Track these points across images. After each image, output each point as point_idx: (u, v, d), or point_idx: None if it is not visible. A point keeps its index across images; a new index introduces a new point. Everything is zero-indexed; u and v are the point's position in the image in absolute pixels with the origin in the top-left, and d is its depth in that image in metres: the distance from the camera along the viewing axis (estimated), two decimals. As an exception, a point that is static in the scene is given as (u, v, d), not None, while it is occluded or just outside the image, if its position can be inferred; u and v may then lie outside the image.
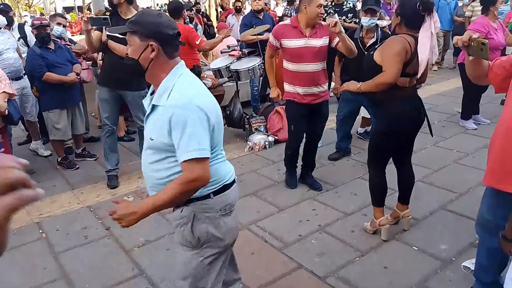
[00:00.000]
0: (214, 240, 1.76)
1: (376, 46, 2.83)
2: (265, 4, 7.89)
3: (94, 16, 3.75)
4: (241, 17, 8.10)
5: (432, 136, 3.12)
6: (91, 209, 3.70)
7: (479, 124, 5.29)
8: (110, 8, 4.04)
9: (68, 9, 33.73)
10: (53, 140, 4.60)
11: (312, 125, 3.70)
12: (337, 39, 3.33)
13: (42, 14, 23.16)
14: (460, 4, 8.40)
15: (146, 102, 1.76)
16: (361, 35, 4.14)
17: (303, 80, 3.44)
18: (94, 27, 3.74)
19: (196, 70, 4.83)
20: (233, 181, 1.83)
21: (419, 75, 2.69)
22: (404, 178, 3.09)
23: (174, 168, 1.67)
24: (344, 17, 5.97)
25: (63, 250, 3.10)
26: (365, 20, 3.95)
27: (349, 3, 6.14)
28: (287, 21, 3.68)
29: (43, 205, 3.81)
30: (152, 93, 1.75)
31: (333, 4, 6.15)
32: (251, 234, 3.16)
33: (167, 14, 4.95)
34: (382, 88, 2.66)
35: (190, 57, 4.75)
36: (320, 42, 3.38)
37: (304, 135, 3.80)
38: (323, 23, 3.42)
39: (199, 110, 1.58)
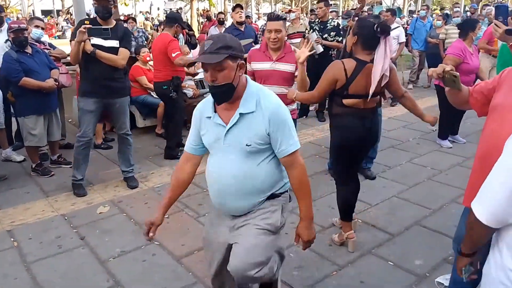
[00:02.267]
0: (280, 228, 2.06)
1: None
2: (247, 17, 7.97)
3: (93, 27, 3.63)
4: (224, 29, 8.17)
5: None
6: (66, 218, 3.62)
7: (454, 142, 5.44)
8: (87, 17, 4.01)
9: (47, 12, 33.16)
10: (28, 146, 4.49)
11: None
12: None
13: (17, 17, 22.63)
14: (434, 25, 8.70)
15: (217, 120, 1.91)
16: None
17: None
18: (89, 38, 3.65)
19: (175, 82, 4.80)
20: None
21: (370, 93, 2.73)
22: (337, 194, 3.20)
23: (269, 166, 1.94)
24: (326, 35, 6.10)
25: (35, 260, 3.01)
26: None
27: (334, 21, 6.28)
28: (257, 46, 3.74)
29: (16, 213, 3.70)
30: (214, 110, 1.93)
31: (318, 21, 6.28)
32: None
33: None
34: (309, 102, 2.86)
35: (170, 68, 4.73)
36: (287, 67, 3.39)
37: None
38: (294, 48, 3.45)
39: (288, 110, 1.92)
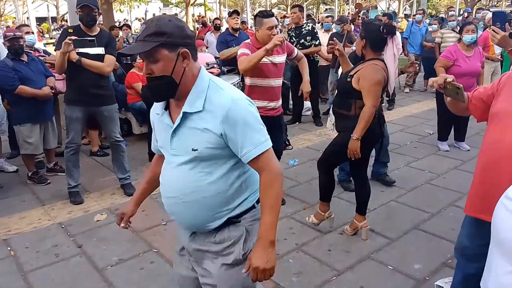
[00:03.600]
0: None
1: (351, 72, 2.97)
2: (243, 23, 7.99)
3: (78, 38, 3.61)
4: (219, 34, 8.19)
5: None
6: (63, 226, 3.59)
7: (456, 147, 5.39)
8: (69, 25, 4.00)
9: (42, 20, 33.18)
10: (24, 155, 4.46)
11: (275, 137, 3.74)
12: (295, 52, 3.63)
13: (6, 26, 22.64)
14: (430, 29, 8.75)
15: (163, 119, 1.59)
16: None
17: (270, 94, 3.58)
18: (74, 49, 3.64)
19: None
20: None
21: (390, 92, 2.90)
22: (358, 190, 3.29)
23: (225, 176, 1.55)
24: (302, 40, 6.12)
25: (32, 269, 2.98)
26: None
27: (308, 26, 6.31)
28: (247, 40, 3.74)
29: (12, 222, 3.67)
30: (166, 108, 1.59)
31: (293, 27, 6.30)
32: (227, 253, 3.14)
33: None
34: (370, 119, 2.87)
35: None
36: (281, 58, 3.57)
37: None
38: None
39: (251, 105, 1.54)
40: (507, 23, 2.18)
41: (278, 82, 3.61)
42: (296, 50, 3.71)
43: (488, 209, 1.95)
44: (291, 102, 6.94)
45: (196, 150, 1.50)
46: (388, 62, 2.83)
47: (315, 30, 6.35)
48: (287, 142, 5.48)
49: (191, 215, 1.58)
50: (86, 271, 2.95)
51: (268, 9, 36.93)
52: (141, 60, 1.63)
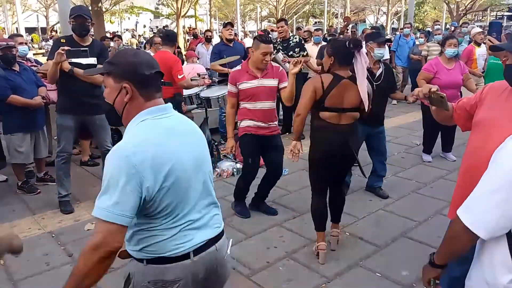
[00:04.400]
0: None
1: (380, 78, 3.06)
2: (235, 35, 8.09)
3: (71, 49, 3.65)
4: (211, 46, 8.28)
5: (365, 177, 3.58)
6: (53, 235, 3.59)
7: (442, 157, 5.51)
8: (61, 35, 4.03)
9: (31, 30, 33.05)
10: (14, 164, 4.46)
11: (273, 156, 3.82)
12: (284, 83, 3.59)
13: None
14: (417, 43, 8.95)
15: None
16: (369, 66, 4.32)
17: (259, 116, 3.65)
18: (67, 60, 3.67)
19: (177, 99, 4.87)
20: (183, 257, 1.49)
21: (366, 107, 2.89)
22: (332, 199, 3.31)
23: (140, 242, 1.48)
24: (291, 52, 6.24)
25: (22, 278, 2.98)
26: (380, 51, 4.04)
27: (295, 38, 6.43)
28: (238, 67, 3.79)
29: (1, 231, 3.65)
30: None
31: (280, 40, 6.42)
32: (218, 261, 3.16)
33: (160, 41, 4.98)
34: (301, 124, 3.08)
35: (172, 85, 4.79)
36: (272, 82, 3.63)
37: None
38: (274, 64, 3.72)
39: (129, 164, 1.34)
40: (503, 34, 2.27)
41: (267, 105, 3.64)
42: (285, 83, 3.60)
43: None
44: (281, 113, 7.03)
45: None
46: (359, 76, 2.84)
47: (302, 42, 6.47)
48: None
49: None
50: (77, 280, 2.95)
51: (259, 21, 37.32)
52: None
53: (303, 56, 6.29)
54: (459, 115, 2.12)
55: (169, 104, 1.57)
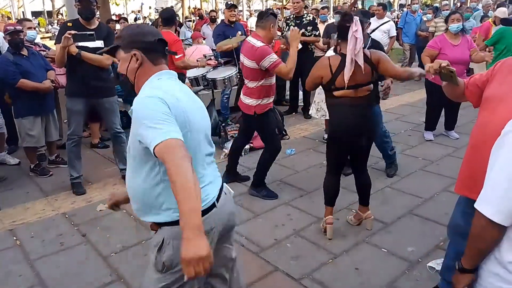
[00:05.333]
0: (179, 268, 1.56)
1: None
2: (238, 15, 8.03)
3: (78, 32, 3.68)
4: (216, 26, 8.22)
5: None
6: (67, 216, 3.69)
7: (445, 136, 5.47)
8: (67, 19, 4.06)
9: (37, 14, 32.98)
10: (26, 147, 4.54)
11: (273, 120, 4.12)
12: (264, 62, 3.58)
13: (9, 18, 22.50)
14: (424, 19, 8.81)
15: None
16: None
17: (273, 90, 3.82)
18: (74, 43, 3.70)
19: (180, 79, 4.86)
20: (211, 206, 1.65)
21: (345, 80, 2.81)
22: (359, 183, 3.31)
23: (159, 180, 1.58)
24: (303, 30, 6.18)
25: (38, 257, 3.08)
26: None
27: (309, 16, 6.37)
28: (259, 43, 3.57)
29: (16, 212, 3.76)
30: None
31: (294, 17, 6.36)
32: (228, 239, 3.24)
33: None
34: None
35: (172, 67, 4.78)
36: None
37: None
38: (278, 36, 3.90)
39: (164, 104, 1.50)
40: None
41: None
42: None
43: (474, 187, 2.05)
44: (287, 93, 7.02)
45: (129, 148, 1.66)
46: (348, 48, 2.78)
47: (316, 21, 6.40)
48: (284, 132, 5.57)
49: (133, 201, 1.72)
50: (91, 259, 3.06)
51: (264, 0, 36.75)
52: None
53: (314, 35, 6.24)
54: (471, 92, 2.13)
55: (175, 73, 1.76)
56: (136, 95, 1.64)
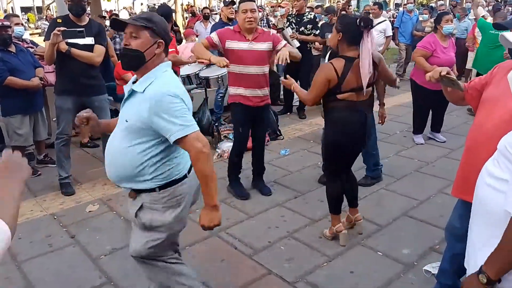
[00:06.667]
0: (158, 227, 1.99)
1: None
2: (235, 12, 7.96)
3: (67, 29, 3.60)
4: (209, 24, 8.15)
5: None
6: (55, 217, 3.60)
7: (434, 139, 5.37)
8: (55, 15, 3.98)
9: (26, 9, 32.62)
10: (14, 146, 4.43)
11: (256, 130, 3.87)
12: (281, 44, 3.55)
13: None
14: (420, 19, 8.79)
15: (127, 88, 1.94)
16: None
17: (247, 82, 3.57)
18: (64, 40, 3.62)
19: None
20: (185, 175, 2.00)
21: (364, 88, 2.76)
22: (349, 185, 3.20)
23: (147, 154, 1.87)
24: (303, 28, 6.14)
25: (26, 259, 3.00)
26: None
27: (310, 14, 6.32)
28: (230, 27, 3.77)
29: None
30: (134, 82, 1.92)
31: (295, 14, 6.32)
32: (220, 241, 3.18)
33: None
34: (302, 99, 3.03)
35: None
36: (263, 46, 3.54)
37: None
38: (265, 29, 3.67)
39: (180, 98, 1.81)
40: None
41: (256, 70, 3.54)
42: (283, 42, 3.59)
43: (468, 189, 2.03)
44: (282, 92, 6.97)
45: (127, 121, 1.86)
46: (363, 56, 2.72)
47: (317, 20, 6.36)
48: (278, 133, 5.52)
49: (117, 174, 1.96)
50: (80, 260, 2.98)
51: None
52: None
53: (314, 35, 6.20)
54: (471, 95, 2.13)
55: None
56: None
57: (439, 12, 7.18)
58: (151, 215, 1.96)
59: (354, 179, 3.27)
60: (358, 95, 2.83)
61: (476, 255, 1.24)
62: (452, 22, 4.79)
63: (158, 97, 1.77)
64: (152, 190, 1.93)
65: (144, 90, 1.82)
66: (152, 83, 1.82)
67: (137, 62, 1.85)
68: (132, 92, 1.88)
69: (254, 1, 3.57)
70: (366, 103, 2.91)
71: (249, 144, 3.97)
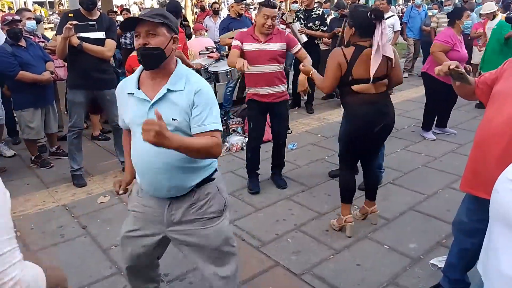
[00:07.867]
0: (226, 207, 2.04)
1: None
2: (248, 9, 7.97)
3: (79, 23, 3.65)
4: (218, 18, 8.16)
5: None
6: (67, 208, 3.67)
7: (446, 134, 5.36)
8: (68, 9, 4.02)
9: (40, 4, 32.82)
10: (27, 139, 4.52)
11: (274, 124, 3.92)
12: (297, 47, 3.65)
13: (10, 8, 22.42)
14: (429, 13, 8.72)
15: (140, 95, 1.85)
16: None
17: (261, 80, 3.64)
18: (75, 34, 3.67)
19: None
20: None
21: (371, 75, 2.77)
22: (368, 178, 3.28)
23: None
24: (311, 24, 6.13)
25: (38, 249, 3.06)
26: None
27: (319, 10, 6.31)
28: (244, 29, 3.85)
29: (16, 203, 3.75)
30: (137, 79, 1.90)
31: (303, 10, 6.30)
32: (228, 233, 3.22)
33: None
34: (318, 86, 3.04)
35: None
36: (276, 46, 3.60)
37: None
38: (282, 29, 3.72)
39: (213, 95, 1.88)
40: None
41: (269, 68, 3.60)
42: (298, 46, 3.68)
43: (477, 185, 2.04)
44: (290, 87, 6.97)
45: (175, 119, 1.78)
46: (373, 49, 2.73)
47: (325, 16, 6.35)
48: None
49: (172, 173, 1.83)
50: (91, 251, 3.04)
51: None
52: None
53: (322, 31, 6.20)
54: (482, 90, 2.12)
55: None
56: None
57: (457, 6, 7.12)
58: (217, 201, 1.97)
59: (376, 174, 3.32)
60: (375, 87, 2.86)
61: (499, 260, 1.23)
62: (469, 17, 4.79)
63: (205, 89, 1.81)
64: (209, 178, 1.97)
65: (185, 86, 1.80)
66: (188, 77, 1.83)
67: (159, 61, 1.79)
68: (167, 93, 1.78)
69: (276, 7, 3.64)
70: (382, 95, 2.93)
71: (267, 136, 4.04)
